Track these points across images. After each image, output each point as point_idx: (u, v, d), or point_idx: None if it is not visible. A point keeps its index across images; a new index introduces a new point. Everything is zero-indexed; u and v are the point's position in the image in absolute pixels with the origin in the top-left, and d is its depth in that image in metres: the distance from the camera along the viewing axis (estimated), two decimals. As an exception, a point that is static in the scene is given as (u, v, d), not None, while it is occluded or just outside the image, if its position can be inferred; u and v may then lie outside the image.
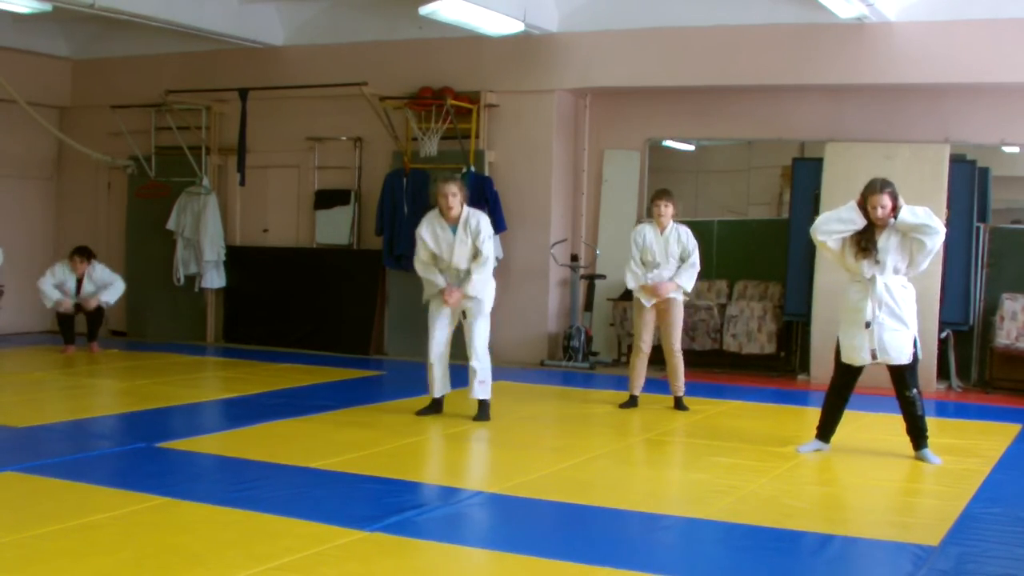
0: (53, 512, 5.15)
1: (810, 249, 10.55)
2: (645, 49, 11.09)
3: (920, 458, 6.83)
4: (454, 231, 7.81)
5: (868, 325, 6.66)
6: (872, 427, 7.99)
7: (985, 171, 10.44)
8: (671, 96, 11.61)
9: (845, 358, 6.84)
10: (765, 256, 11.28)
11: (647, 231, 8.48)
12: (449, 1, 9.69)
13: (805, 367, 10.68)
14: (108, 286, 11.77)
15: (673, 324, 8.54)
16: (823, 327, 10.38)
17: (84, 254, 11.70)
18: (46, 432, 7.35)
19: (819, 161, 10.65)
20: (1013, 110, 10.37)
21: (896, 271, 6.71)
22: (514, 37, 11.13)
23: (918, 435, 6.86)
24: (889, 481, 6.44)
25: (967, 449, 7.23)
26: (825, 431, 7.05)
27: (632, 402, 8.69)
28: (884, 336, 6.66)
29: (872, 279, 6.67)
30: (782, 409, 9.13)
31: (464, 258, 7.80)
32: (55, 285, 11.59)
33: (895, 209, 6.59)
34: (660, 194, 8.54)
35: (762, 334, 10.86)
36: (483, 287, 7.85)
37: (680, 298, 8.53)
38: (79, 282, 11.69)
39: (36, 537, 4.74)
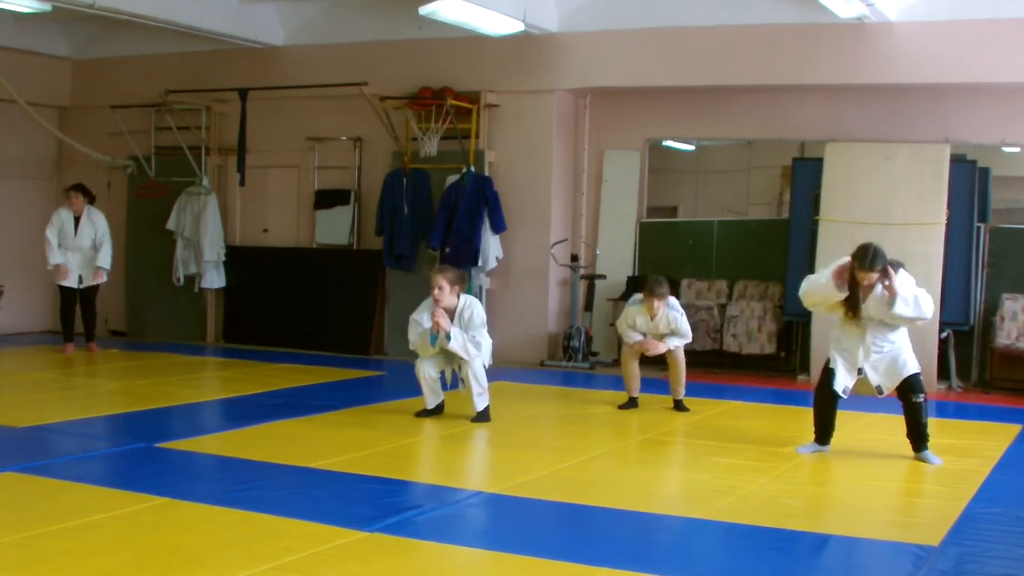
0: (53, 512, 5.15)
1: (810, 249, 10.58)
2: (645, 49, 11.09)
3: (921, 459, 6.84)
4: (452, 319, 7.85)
5: (860, 372, 6.82)
6: (872, 427, 7.99)
7: (985, 171, 10.44)
8: (671, 96, 11.61)
9: (836, 384, 6.88)
10: (765, 256, 11.27)
11: (639, 317, 8.50)
12: (449, 1, 9.69)
13: (805, 367, 10.68)
14: (101, 244, 11.56)
15: (678, 363, 8.59)
16: (823, 327, 10.35)
17: (80, 190, 11.50)
18: (46, 432, 7.34)
19: (819, 161, 10.65)
20: (1013, 110, 10.37)
21: (888, 326, 6.76)
22: (514, 37, 11.13)
23: (918, 438, 6.87)
24: (889, 481, 6.44)
25: (967, 449, 7.23)
26: (822, 437, 7.06)
27: (632, 403, 8.69)
28: (882, 369, 6.81)
29: (863, 330, 6.74)
30: (782, 409, 9.13)
31: (458, 348, 7.80)
32: (57, 232, 11.39)
33: (886, 277, 6.54)
34: (655, 293, 8.36)
35: (762, 334, 10.86)
36: (478, 358, 7.86)
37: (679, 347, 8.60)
38: (77, 221, 11.47)
39: (36, 537, 4.74)
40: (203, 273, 12.79)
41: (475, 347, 7.82)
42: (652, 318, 8.43)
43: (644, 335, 8.51)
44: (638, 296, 8.58)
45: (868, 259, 6.49)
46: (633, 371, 8.65)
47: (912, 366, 6.82)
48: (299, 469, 6.28)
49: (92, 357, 11.44)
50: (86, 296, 11.67)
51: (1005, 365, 10.15)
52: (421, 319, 7.89)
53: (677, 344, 8.51)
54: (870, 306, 6.67)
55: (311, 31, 12.45)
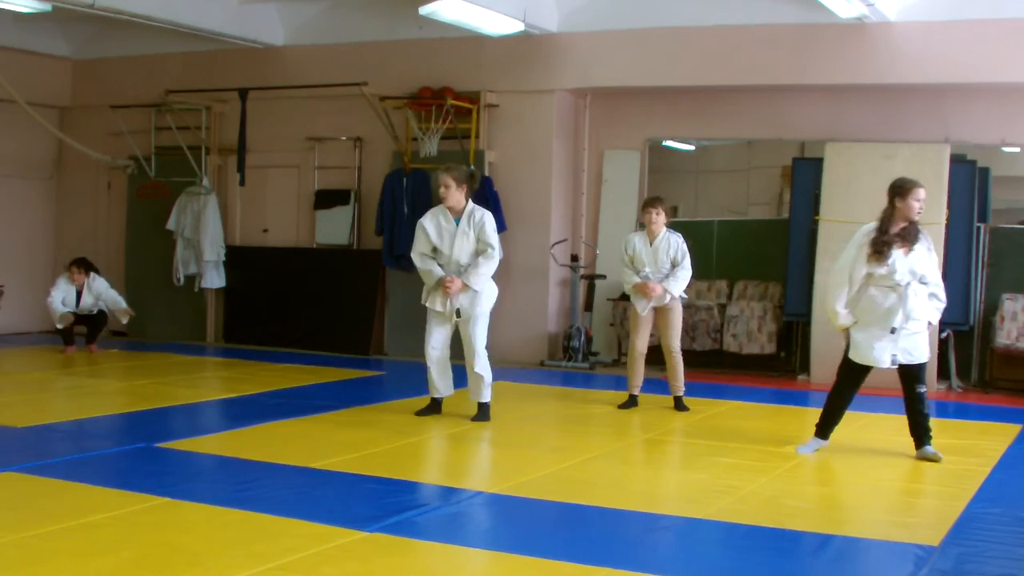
0: (53, 512, 5.15)
1: (810, 249, 10.58)
2: (645, 49, 11.09)
3: (922, 456, 6.83)
4: (457, 223, 7.81)
5: (894, 331, 6.68)
6: (872, 427, 7.99)
7: (985, 171, 10.44)
8: (671, 96, 11.61)
9: (861, 359, 6.79)
10: (765, 256, 11.28)
11: (636, 240, 8.47)
12: (449, 1, 9.70)
13: (805, 367, 10.68)
14: (116, 303, 11.75)
15: (672, 325, 8.54)
16: (823, 327, 10.38)
17: (81, 265, 11.70)
18: (46, 432, 7.34)
19: (819, 161, 10.65)
20: (1013, 110, 10.37)
21: (921, 280, 6.74)
22: (514, 37, 11.13)
23: (922, 433, 6.86)
24: (889, 481, 6.44)
25: (967, 449, 7.22)
26: (825, 428, 7.04)
27: (632, 402, 8.68)
28: (906, 341, 6.71)
29: (906, 286, 6.67)
30: (782, 409, 9.13)
31: (465, 252, 7.77)
32: (60, 298, 11.58)
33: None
34: (651, 202, 8.49)
35: (762, 334, 10.86)
36: (484, 281, 7.84)
37: (678, 300, 8.52)
38: (78, 294, 11.69)
39: (36, 537, 4.74)
40: (203, 273, 12.80)
41: (488, 253, 7.72)
42: (652, 239, 8.38)
43: (646, 276, 8.36)
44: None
45: (912, 180, 6.69)
46: (637, 369, 8.64)
47: (926, 354, 6.85)
48: (299, 469, 6.28)
49: (92, 357, 11.44)
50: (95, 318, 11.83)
51: (1005, 365, 10.15)
52: (425, 221, 7.82)
53: (679, 290, 8.33)
54: (912, 261, 6.65)
55: (311, 31, 12.45)
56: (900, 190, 6.73)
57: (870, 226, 6.76)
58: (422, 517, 5.28)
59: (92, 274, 11.77)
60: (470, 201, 7.86)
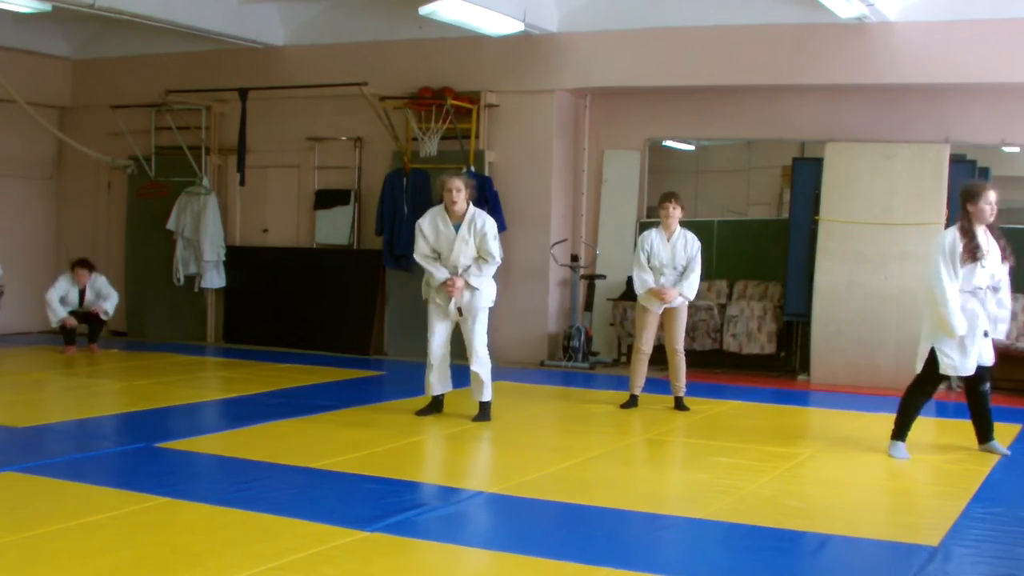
0: (53, 512, 5.15)
1: (810, 249, 10.58)
2: (645, 49, 11.09)
3: (987, 450, 6.98)
4: (457, 228, 7.79)
5: (987, 335, 6.82)
6: (872, 427, 7.99)
7: (985, 171, 10.44)
8: (671, 96, 11.61)
9: (950, 370, 6.81)
10: (765, 256, 11.28)
11: (655, 237, 8.46)
12: (449, 1, 9.69)
13: (805, 367, 10.69)
14: (107, 298, 11.86)
15: (677, 326, 8.56)
16: (823, 327, 10.40)
17: (86, 266, 11.83)
18: (46, 432, 7.35)
19: (819, 161, 10.65)
20: (1013, 110, 10.37)
21: (995, 284, 6.82)
22: (514, 37, 11.13)
23: (987, 427, 7.01)
24: (889, 481, 6.45)
25: (967, 449, 7.22)
26: (903, 432, 7.00)
27: (632, 402, 8.69)
28: (985, 345, 6.86)
29: (986, 290, 6.77)
30: (782, 409, 9.13)
31: (465, 256, 7.77)
32: (60, 298, 11.66)
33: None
34: (668, 196, 8.50)
35: (762, 334, 10.86)
36: (485, 280, 7.84)
37: (686, 301, 8.54)
38: (82, 293, 11.82)
39: (36, 537, 4.74)
40: (203, 273, 12.80)
41: (489, 262, 7.73)
42: (669, 236, 8.39)
43: (661, 271, 8.39)
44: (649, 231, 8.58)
45: (983, 183, 6.97)
46: (640, 369, 8.65)
47: (993, 356, 6.96)
48: (299, 469, 6.28)
49: (93, 357, 11.45)
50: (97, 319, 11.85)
51: (1005, 365, 10.11)
52: (424, 223, 7.81)
53: (693, 293, 8.39)
54: (989, 258, 6.75)
55: (311, 31, 12.45)
56: (970, 195, 6.81)
57: (950, 234, 6.78)
58: (422, 517, 5.28)
59: (94, 273, 11.91)
60: (471, 204, 7.84)
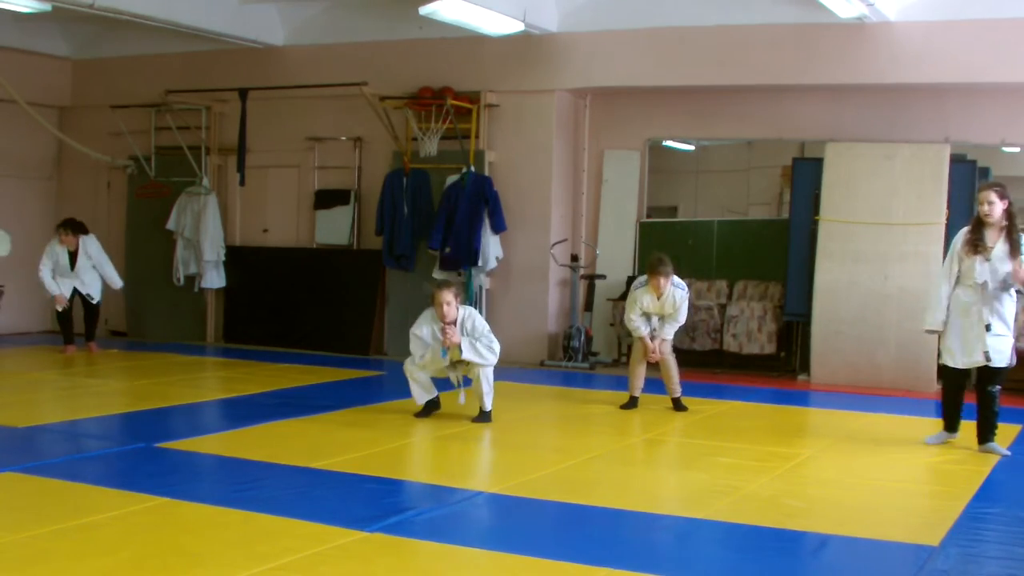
0: (53, 512, 5.15)
1: (810, 249, 10.58)
2: (645, 49, 11.09)
3: (986, 451, 7.01)
4: None
5: (989, 328, 6.87)
6: (872, 427, 7.99)
7: (985, 171, 10.44)
8: (671, 96, 11.61)
9: (951, 361, 7.02)
10: (765, 256, 11.28)
11: (646, 298, 8.52)
12: (449, 1, 9.69)
13: (805, 367, 10.68)
14: (101, 264, 11.66)
15: (666, 362, 8.63)
16: (823, 327, 10.39)
17: (69, 227, 11.56)
18: (46, 432, 7.35)
19: (819, 161, 10.65)
20: (1013, 110, 10.37)
21: (1004, 281, 6.88)
22: (514, 37, 11.13)
23: (989, 429, 7.05)
24: (889, 481, 6.44)
25: (967, 449, 7.22)
26: (951, 423, 7.26)
27: (632, 403, 8.69)
28: (991, 340, 6.89)
29: (984, 285, 6.86)
30: (782, 409, 9.13)
31: (475, 356, 7.75)
32: (52, 268, 11.50)
33: (1009, 215, 6.88)
34: (659, 271, 8.41)
35: (762, 334, 10.86)
36: (488, 355, 7.84)
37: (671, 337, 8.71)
38: (73, 257, 11.56)
39: (36, 537, 4.74)
40: (203, 273, 12.80)
41: (489, 351, 7.79)
42: (659, 297, 8.46)
43: (652, 321, 8.55)
44: (643, 278, 8.61)
45: (985, 183, 7.14)
46: (640, 371, 8.66)
47: (1008, 356, 6.94)
48: (299, 469, 6.28)
49: (92, 357, 11.44)
50: (89, 303, 11.74)
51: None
52: (423, 333, 7.85)
53: (669, 333, 8.57)
54: (994, 255, 6.84)
55: (311, 31, 12.45)
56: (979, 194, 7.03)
57: (963, 230, 7.08)
58: (422, 517, 5.28)
59: (83, 237, 11.61)
60: (459, 308, 7.84)
